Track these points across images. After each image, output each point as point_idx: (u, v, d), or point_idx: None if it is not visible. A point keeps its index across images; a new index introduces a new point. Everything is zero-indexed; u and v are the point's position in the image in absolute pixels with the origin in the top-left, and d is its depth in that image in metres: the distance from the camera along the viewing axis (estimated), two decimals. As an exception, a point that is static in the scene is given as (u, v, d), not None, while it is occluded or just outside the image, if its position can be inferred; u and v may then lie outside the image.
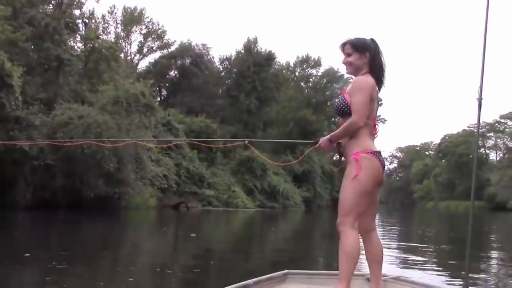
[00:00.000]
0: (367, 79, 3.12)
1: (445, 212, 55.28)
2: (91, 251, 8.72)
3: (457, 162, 75.36)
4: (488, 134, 79.52)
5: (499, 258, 9.61)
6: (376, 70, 3.20)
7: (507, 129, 73.55)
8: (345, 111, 3.13)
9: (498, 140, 79.48)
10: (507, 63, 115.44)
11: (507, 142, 75.19)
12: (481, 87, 3.89)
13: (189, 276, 6.43)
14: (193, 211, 28.15)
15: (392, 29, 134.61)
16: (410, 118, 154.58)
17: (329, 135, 3.22)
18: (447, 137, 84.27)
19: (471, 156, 75.81)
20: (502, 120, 74.36)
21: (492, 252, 10.76)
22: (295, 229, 18.75)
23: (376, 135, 3.22)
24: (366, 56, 3.16)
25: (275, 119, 50.85)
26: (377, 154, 3.08)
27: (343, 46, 3.23)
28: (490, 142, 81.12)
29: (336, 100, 3.31)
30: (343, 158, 3.32)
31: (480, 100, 4.01)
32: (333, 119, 63.76)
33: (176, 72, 47.70)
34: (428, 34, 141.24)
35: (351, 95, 3.11)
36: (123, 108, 23.57)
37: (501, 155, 79.28)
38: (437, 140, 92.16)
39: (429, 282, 3.62)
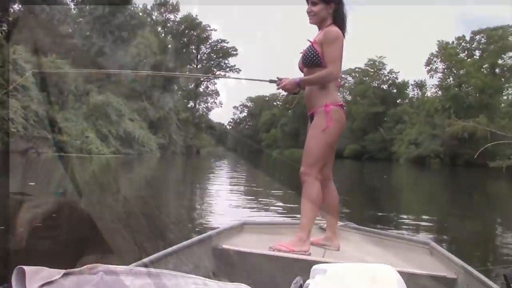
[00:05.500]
0: (340, 32, 3.05)
1: (290, 158, 59.50)
2: None
3: (302, 112, 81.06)
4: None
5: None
6: (339, 22, 3.11)
7: (347, 85, 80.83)
8: (315, 62, 3.03)
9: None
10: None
11: (346, 96, 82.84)
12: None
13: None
14: (44, 157, 26.89)
15: None
16: (261, 70, 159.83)
17: (298, 78, 3.13)
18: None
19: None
20: (344, 76, 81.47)
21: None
22: (152, 175, 19.19)
23: (339, 88, 3.15)
24: (331, 6, 3.07)
25: (131, 63, 49.43)
26: (343, 107, 3.11)
27: None
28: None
29: (305, 50, 3.14)
30: (292, 97, 3.36)
31: None
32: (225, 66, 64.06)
33: (20, 6, 43.39)
34: None
35: (326, 46, 3.00)
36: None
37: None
38: (284, 92, 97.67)
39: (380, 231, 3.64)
